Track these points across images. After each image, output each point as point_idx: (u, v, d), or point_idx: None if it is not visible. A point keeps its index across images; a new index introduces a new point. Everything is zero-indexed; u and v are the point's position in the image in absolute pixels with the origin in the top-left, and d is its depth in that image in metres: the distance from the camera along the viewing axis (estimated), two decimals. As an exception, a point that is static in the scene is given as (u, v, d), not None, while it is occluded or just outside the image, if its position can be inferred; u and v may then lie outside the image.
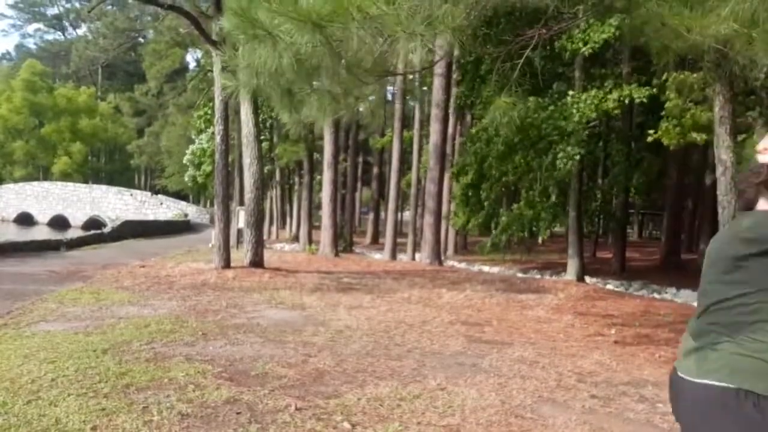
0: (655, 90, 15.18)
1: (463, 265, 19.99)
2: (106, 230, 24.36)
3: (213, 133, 19.97)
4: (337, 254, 18.66)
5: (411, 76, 23.50)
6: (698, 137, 14.30)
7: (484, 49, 13.66)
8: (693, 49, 4.76)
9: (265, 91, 5.77)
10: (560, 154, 15.04)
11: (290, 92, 5.85)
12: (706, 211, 21.89)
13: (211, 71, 22.52)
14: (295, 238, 30.87)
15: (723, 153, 8.23)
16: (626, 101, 15.26)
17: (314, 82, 5.59)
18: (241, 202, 17.95)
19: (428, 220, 17.21)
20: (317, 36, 4.19)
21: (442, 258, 18.47)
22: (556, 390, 4.91)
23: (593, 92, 15.36)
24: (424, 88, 23.34)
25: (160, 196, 43.98)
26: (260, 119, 17.52)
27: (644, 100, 15.24)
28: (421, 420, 4.03)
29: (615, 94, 15.13)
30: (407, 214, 29.82)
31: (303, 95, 5.75)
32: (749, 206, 1.76)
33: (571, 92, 15.80)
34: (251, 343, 5.98)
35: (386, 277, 12.13)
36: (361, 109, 27.48)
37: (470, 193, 17.31)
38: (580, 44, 14.15)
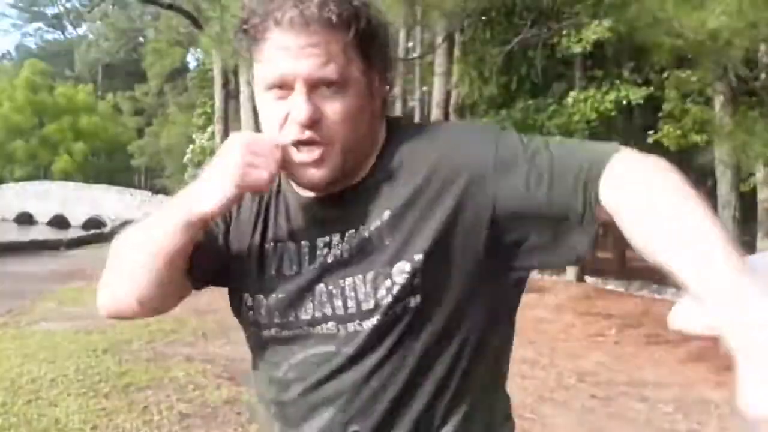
0: (652, 90, 15.13)
1: (463, 265, 19.97)
2: (106, 230, 24.32)
3: (213, 132, 19.95)
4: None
5: (410, 75, 23.48)
6: (699, 139, 14.23)
7: (485, 48, 13.69)
8: (688, 46, 4.76)
9: None
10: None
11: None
12: (707, 211, 21.85)
13: (211, 70, 22.52)
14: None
15: (723, 153, 8.23)
16: (623, 102, 15.22)
17: None
18: (242, 202, 17.89)
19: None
20: None
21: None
22: (556, 390, 4.91)
23: (591, 92, 15.32)
24: (425, 87, 23.34)
25: (160, 195, 43.92)
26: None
27: (640, 101, 15.21)
28: (421, 420, 4.02)
29: (612, 95, 15.10)
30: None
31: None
32: None
33: (572, 93, 15.76)
34: (251, 342, 5.98)
35: (386, 277, 12.11)
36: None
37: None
38: (573, 40, 14.12)
